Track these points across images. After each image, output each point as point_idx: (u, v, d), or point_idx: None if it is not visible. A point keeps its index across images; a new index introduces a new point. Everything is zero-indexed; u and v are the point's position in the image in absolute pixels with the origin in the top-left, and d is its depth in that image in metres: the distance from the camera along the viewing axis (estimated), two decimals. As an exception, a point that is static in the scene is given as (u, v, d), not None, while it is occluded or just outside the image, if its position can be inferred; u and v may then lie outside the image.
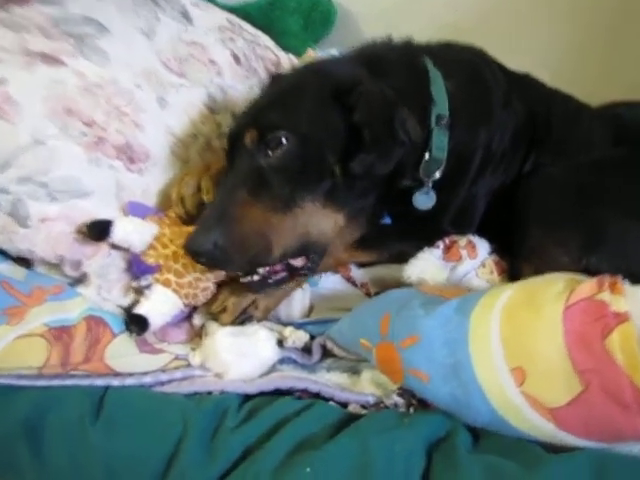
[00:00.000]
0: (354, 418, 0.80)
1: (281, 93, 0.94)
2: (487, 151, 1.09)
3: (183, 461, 0.76)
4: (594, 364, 0.66)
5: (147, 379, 0.87)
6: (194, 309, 1.00)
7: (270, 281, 0.91)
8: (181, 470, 0.76)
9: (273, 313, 1.02)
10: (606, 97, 1.29)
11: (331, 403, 0.86)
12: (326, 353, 0.96)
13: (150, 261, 0.95)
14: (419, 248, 1.05)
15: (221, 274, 0.96)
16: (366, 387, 0.90)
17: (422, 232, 1.10)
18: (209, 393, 0.87)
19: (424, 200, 1.06)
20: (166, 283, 0.94)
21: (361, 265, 1.09)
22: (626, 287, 0.70)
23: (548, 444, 0.72)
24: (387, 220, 1.13)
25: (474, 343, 0.75)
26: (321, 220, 0.92)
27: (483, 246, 1.08)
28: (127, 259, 0.99)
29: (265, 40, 1.40)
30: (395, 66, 1.01)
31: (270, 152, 0.88)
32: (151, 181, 1.06)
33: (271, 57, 1.36)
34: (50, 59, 0.99)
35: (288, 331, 0.97)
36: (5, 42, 0.96)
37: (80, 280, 0.97)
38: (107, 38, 1.10)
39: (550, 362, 0.69)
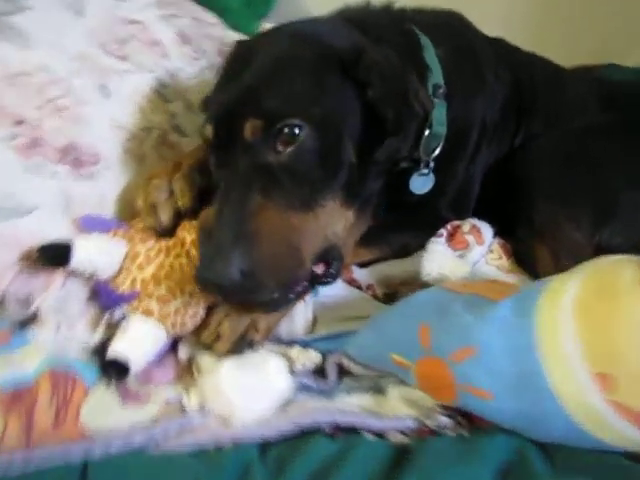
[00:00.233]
0: (404, 452, 0.67)
1: (276, 69, 0.74)
2: (483, 124, 0.98)
3: None
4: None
5: (137, 438, 0.68)
6: (177, 339, 0.81)
7: (291, 296, 0.75)
8: None
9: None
10: (568, 63, 1.23)
11: (366, 435, 0.72)
12: (342, 372, 0.82)
13: (123, 288, 0.75)
14: (421, 239, 0.93)
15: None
16: (397, 407, 0.76)
17: (420, 221, 0.97)
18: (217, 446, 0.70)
19: (421, 183, 0.93)
20: (147, 313, 0.75)
21: (361, 265, 0.95)
22: None
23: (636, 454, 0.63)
24: (380, 211, 1.00)
25: (544, 347, 0.63)
26: (338, 218, 0.76)
27: (487, 229, 0.97)
28: (91, 287, 0.78)
29: (210, 17, 1.20)
30: (387, 32, 0.86)
31: (281, 147, 0.71)
32: (106, 187, 0.85)
33: (220, 36, 1.17)
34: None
35: (295, 352, 0.80)
36: None
37: (31, 320, 0.75)
38: (25, 15, 0.87)
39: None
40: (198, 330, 0.80)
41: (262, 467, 0.66)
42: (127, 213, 0.86)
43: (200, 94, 1.06)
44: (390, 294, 0.92)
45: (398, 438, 0.71)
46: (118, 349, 0.73)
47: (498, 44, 1.12)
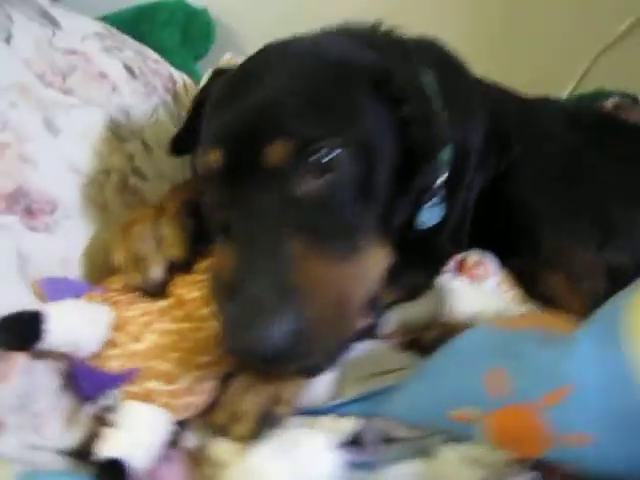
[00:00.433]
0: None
1: (300, 85, 0.60)
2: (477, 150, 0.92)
3: None
4: None
5: None
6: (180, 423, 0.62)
7: (336, 356, 0.60)
8: None
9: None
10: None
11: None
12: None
13: (112, 367, 0.56)
14: (427, 277, 0.83)
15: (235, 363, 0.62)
16: (458, 470, 0.63)
17: (422, 258, 0.88)
18: None
19: (431, 215, 0.84)
20: (148, 397, 0.56)
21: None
22: None
23: None
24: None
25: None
26: (378, 261, 0.63)
27: (491, 261, 0.90)
28: (64, 370, 0.58)
29: (151, 53, 1.06)
30: (393, 52, 0.77)
31: (313, 176, 0.57)
32: (68, 242, 0.66)
33: (166, 73, 1.03)
34: None
35: (329, 422, 0.66)
36: None
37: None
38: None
39: None
40: (207, 411, 0.63)
41: None
42: (97, 272, 0.67)
43: (157, 134, 0.92)
44: (414, 340, 0.80)
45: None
46: (114, 451, 0.54)
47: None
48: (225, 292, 0.54)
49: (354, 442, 0.65)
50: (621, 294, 0.63)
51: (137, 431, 0.56)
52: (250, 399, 0.62)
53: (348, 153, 0.58)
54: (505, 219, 0.95)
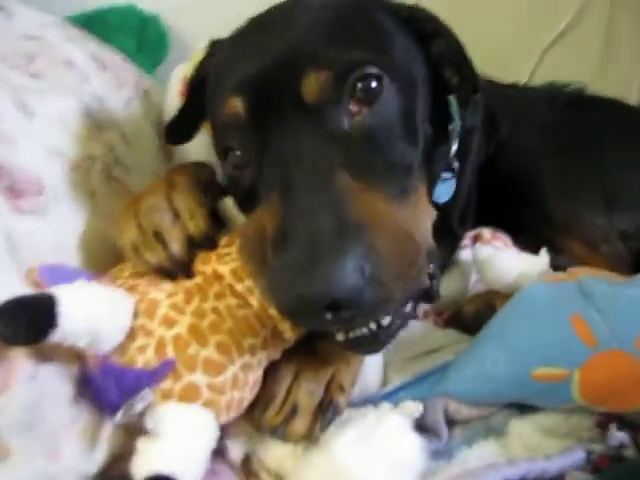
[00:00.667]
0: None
1: (329, 16, 0.52)
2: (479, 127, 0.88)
3: None
4: None
5: None
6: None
7: (397, 322, 0.49)
8: None
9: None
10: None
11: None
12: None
13: (141, 360, 0.45)
14: (441, 257, 0.77)
15: (289, 342, 0.51)
16: (540, 444, 0.57)
17: (440, 234, 0.81)
18: None
19: (444, 190, 0.78)
20: (189, 394, 0.45)
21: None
22: None
23: None
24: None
25: None
26: (427, 212, 0.55)
27: (503, 234, 0.86)
28: (77, 375, 0.45)
29: (114, 50, 0.95)
30: None
31: (357, 107, 0.49)
32: (61, 226, 0.54)
33: (132, 70, 0.93)
34: None
35: (389, 410, 0.56)
36: None
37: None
38: None
39: None
40: (251, 408, 0.51)
41: None
42: (97, 263, 0.55)
43: (134, 128, 0.81)
44: (453, 316, 0.73)
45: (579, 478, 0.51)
46: (156, 463, 0.42)
47: None
48: (272, 246, 0.44)
49: (421, 427, 0.56)
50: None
51: (181, 439, 0.44)
52: (304, 389, 0.52)
53: (388, 81, 0.50)
54: (508, 195, 0.91)
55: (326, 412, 0.52)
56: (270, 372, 0.52)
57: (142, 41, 1.16)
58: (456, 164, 0.76)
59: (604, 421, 0.55)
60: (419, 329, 0.69)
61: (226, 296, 0.49)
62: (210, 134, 0.61)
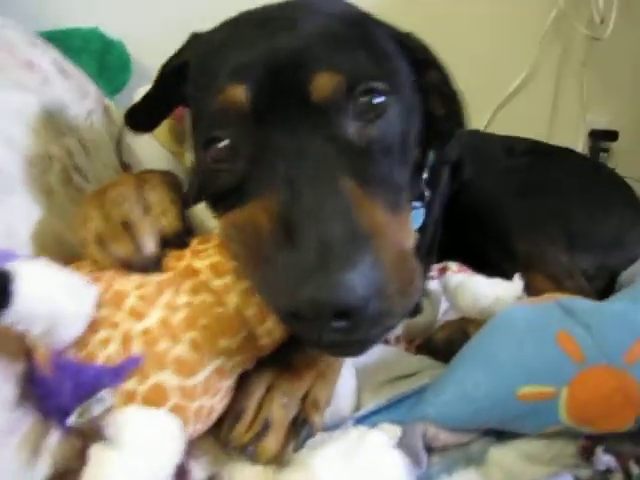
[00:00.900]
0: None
1: (336, 25, 0.51)
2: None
3: None
4: None
5: None
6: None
7: (381, 331, 0.44)
8: None
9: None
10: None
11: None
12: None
13: (103, 355, 0.39)
14: None
15: (267, 348, 0.46)
16: (523, 471, 0.53)
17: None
18: None
19: (414, 217, 0.77)
20: (156, 397, 0.39)
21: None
22: None
23: None
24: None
25: None
26: (410, 232, 0.53)
27: (469, 269, 0.86)
28: (21, 373, 0.39)
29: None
30: None
31: (366, 118, 0.47)
32: (12, 216, 0.49)
33: (93, 86, 0.89)
34: None
35: (358, 434, 0.51)
36: None
37: None
38: None
39: None
40: (216, 428, 0.46)
41: None
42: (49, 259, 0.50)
43: (94, 139, 0.77)
44: (425, 343, 0.70)
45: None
46: (110, 477, 0.36)
47: None
48: (273, 243, 0.41)
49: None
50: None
51: (143, 450, 0.38)
52: (277, 402, 0.47)
53: (394, 100, 0.50)
54: (472, 232, 0.92)
55: (300, 430, 0.47)
56: (239, 385, 0.48)
57: (104, 65, 1.14)
58: (427, 193, 0.76)
59: (589, 446, 0.53)
60: (392, 354, 0.66)
61: (201, 292, 0.44)
62: (189, 123, 0.57)
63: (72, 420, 0.37)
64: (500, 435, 0.57)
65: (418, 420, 0.55)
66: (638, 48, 1.43)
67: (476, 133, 1.15)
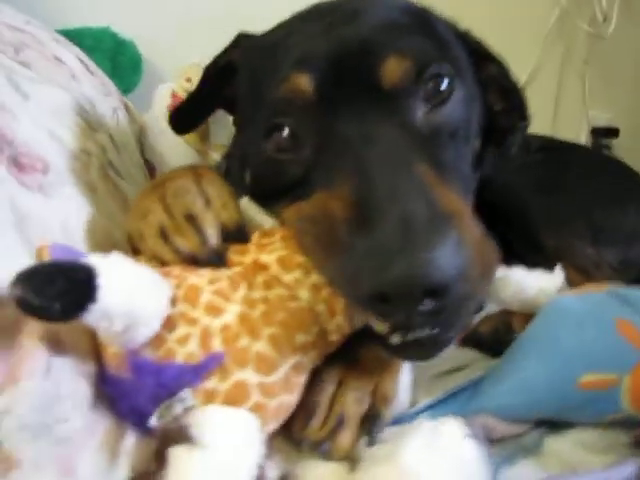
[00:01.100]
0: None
1: (403, 16, 0.50)
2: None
3: None
4: None
5: None
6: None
7: (459, 322, 0.42)
8: None
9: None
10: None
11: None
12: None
13: (182, 353, 0.37)
14: None
15: (338, 337, 0.44)
16: (583, 459, 0.52)
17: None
18: None
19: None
20: (237, 395, 0.37)
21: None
22: None
23: None
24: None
25: None
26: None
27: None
28: (95, 374, 0.37)
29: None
30: None
31: (434, 103, 0.46)
32: (68, 211, 0.46)
33: (110, 81, 0.86)
34: None
35: (429, 426, 0.50)
36: None
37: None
38: None
39: None
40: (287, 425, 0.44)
41: None
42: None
43: (123, 136, 0.75)
44: (469, 337, 0.68)
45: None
46: (194, 478, 0.34)
47: None
48: (351, 228, 0.39)
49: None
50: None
51: (227, 451, 0.36)
52: (350, 397, 0.45)
53: (460, 85, 0.49)
54: (497, 226, 0.91)
55: (373, 425, 0.45)
56: (308, 382, 0.46)
57: (116, 65, 1.11)
58: None
59: None
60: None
61: (274, 286, 0.42)
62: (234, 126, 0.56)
63: (154, 421, 0.35)
64: (553, 425, 0.56)
65: (475, 412, 0.53)
66: (639, 46, 1.44)
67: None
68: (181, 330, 0.38)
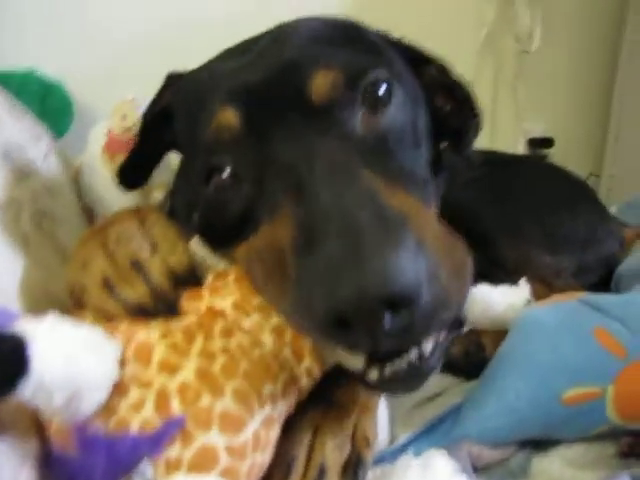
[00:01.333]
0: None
1: (331, 31, 0.48)
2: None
3: None
4: None
5: None
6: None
7: (438, 352, 0.39)
8: None
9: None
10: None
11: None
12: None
13: (136, 421, 0.32)
14: None
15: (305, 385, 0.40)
16: (575, 476, 0.50)
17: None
18: None
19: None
20: (204, 461, 0.32)
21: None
22: None
23: None
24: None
25: None
26: None
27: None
28: (38, 453, 0.31)
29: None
30: None
31: (370, 111, 0.44)
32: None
33: (42, 125, 0.80)
34: None
35: (415, 462, 0.46)
36: None
37: None
38: None
39: None
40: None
41: None
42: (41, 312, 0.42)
43: (56, 181, 0.69)
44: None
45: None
46: None
47: None
48: (296, 253, 0.36)
49: None
50: None
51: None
52: (330, 445, 0.41)
53: (398, 88, 0.46)
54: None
55: (357, 470, 0.41)
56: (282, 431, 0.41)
57: (45, 109, 1.05)
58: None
59: (632, 443, 0.50)
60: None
61: (234, 333, 0.38)
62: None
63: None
64: (537, 445, 0.54)
65: (459, 440, 0.50)
66: (564, 58, 1.49)
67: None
68: (134, 395, 0.33)
